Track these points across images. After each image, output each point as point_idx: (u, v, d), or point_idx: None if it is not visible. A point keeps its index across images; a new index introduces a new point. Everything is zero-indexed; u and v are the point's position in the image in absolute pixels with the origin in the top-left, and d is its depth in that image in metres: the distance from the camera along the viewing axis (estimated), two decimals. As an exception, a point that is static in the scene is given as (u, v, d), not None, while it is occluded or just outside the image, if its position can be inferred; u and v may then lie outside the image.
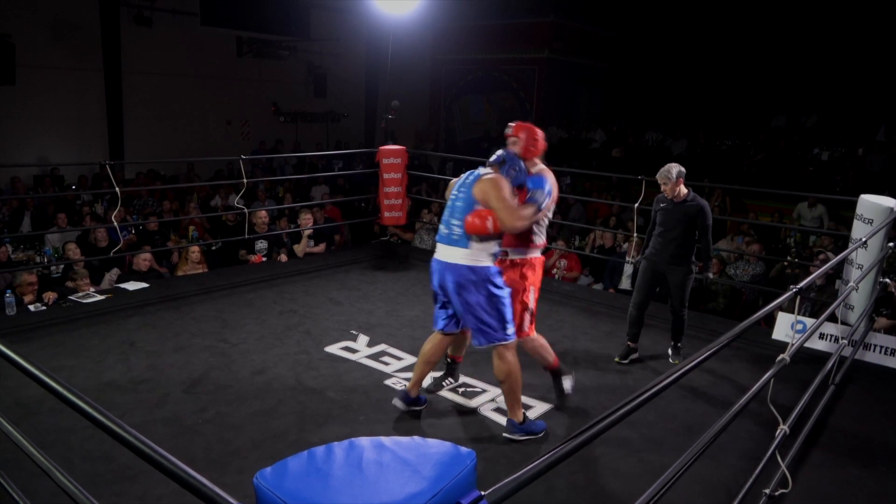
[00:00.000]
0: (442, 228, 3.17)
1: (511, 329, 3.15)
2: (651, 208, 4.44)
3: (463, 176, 3.22)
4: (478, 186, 3.07)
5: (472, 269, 3.05)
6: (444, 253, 3.13)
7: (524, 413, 3.31)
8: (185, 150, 12.11)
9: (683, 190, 4.23)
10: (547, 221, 3.42)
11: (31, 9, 10.40)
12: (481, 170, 3.17)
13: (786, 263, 6.78)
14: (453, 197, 3.17)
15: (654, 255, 4.27)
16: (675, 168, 4.17)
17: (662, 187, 4.19)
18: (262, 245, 6.82)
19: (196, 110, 12.92)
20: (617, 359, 4.34)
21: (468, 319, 3.14)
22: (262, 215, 6.68)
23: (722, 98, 15.04)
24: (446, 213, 3.19)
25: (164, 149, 11.97)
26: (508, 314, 3.13)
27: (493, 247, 3.10)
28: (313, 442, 3.07)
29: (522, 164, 3.18)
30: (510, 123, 3.34)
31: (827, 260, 6.29)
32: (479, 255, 3.07)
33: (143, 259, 6.03)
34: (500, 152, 3.20)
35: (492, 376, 3.95)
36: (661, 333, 4.91)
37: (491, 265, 3.10)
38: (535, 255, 3.41)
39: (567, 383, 3.64)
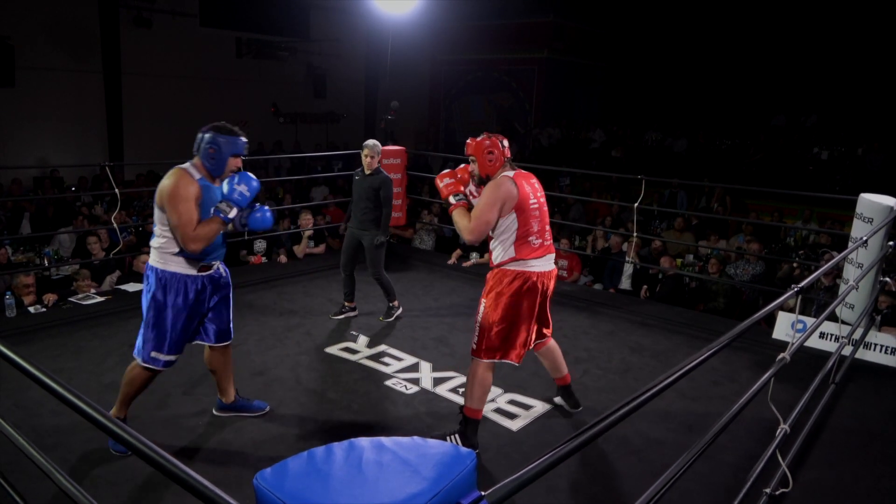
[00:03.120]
0: None
1: (151, 341, 2.90)
2: (651, 208, 4.47)
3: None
4: (159, 187, 2.78)
5: None
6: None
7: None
8: (185, 151, 11.99)
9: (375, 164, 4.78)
10: (531, 227, 3.02)
11: (31, 10, 10.40)
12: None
13: (794, 265, 6.77)
14: None
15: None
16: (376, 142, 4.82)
17: (367, 160, 4.75)
18: (260, 245, 6.82)
19: (196, 111, 12.88)
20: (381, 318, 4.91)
21: None
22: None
23: (722, 98, 15.04)
24: None
25: (164, 150, 11.94)
26: (149, 326, 2.90)
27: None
28: (313, 442, 3.07)
29: (217, 143, 2.80)
30: (467, 141, 3.12)
31: (830, 258, 6.27)
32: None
33: (144, 261, 6.02)
34: (198, 135, 2.87)
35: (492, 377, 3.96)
36: (661, 333, 4.91)
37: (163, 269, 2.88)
38: (494, 269, 3.09)
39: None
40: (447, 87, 17.58)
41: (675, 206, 10.41)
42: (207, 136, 2.84)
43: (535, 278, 3.01)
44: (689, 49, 15.52)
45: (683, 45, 15.62)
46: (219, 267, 3.06)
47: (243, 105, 13.79)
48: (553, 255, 3.14)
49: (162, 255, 2.86)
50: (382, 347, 4.43)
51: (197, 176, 2.83)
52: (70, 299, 5.10)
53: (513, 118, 16.44)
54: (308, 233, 6.79)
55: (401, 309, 5.04)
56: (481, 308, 3.07)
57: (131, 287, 5.49)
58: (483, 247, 7.03)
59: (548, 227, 3.13)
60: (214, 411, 3.40)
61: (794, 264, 6.75)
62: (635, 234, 6.00)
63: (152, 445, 1.26)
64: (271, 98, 14.30)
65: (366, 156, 4.71)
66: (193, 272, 2.91)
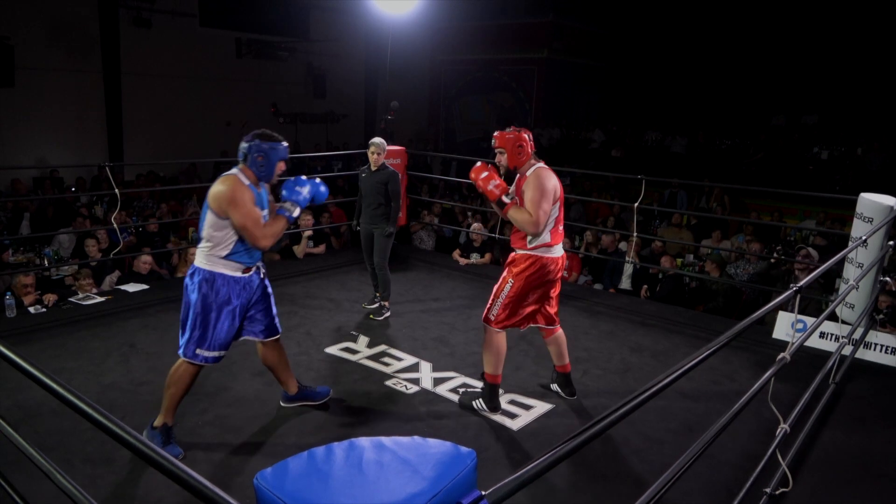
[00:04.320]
0: None
1: (195, 339, 2.99)
2: (651, 207, 4.51)
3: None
4: (214, 192, 2.91)
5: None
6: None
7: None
8: (185, 151, 12.10)
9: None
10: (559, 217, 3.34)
11: (31, 10, 10.39)
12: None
13: (772, 261, 6.83)
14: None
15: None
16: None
17: (373, 157, 4.90)
18: None
19: (195, 112, 12.92)
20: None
21: None
22: None
23: (721, 97, 15.04)
24: None
25: (164, 150, 11.97)
26: (194, 325, 2.99)
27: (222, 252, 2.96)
28: (313, 442, 3.07)
29: (263, 150, 2.97)
30: (494, 134, 3.36)
31: (808, 255, 6.34)
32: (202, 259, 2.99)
33: (144, 262, 6.04)
34: (242, 144, 3.01)
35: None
36: (661, 333, 4.92)
37: (209, 270, 2.98)
38: (526, 252, 3.34)
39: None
40: (447, 87, 17.57)
41: (675, 206, 10.41)
42: (253, 144, 2.99)
43: (558, 262, 3.37)
44: (689, 49, 15.52)
45: (683, 45, 15.62)
46: (259, 268, 3.17)
47: (243, 105, 13.79)
48: (562, 242, 3.44)
49: (209, 257, 2.97)
50: (382, 347, 4.43)
51: (246, 182, 2.98)
52: (70, 299, 5.10)
53: (512, 118, 16.43)
54: (307, 233, 6.79)
55: (389, 312, 5.08)
56: (507, 286, 3.34)
57: (131, 287, 5.49)
58: (483, 248, 7.03)
59: (563, 217, 3.41)
60: (282, 402, 3.54)
61: (772, 260, 6.81)
62: (635, 234, 6.00)
63: (153, 445, 1.26)
64: (271, 98, 14.29)
65: (372, 153, 4.89)
66: (238, 274, 3.03)
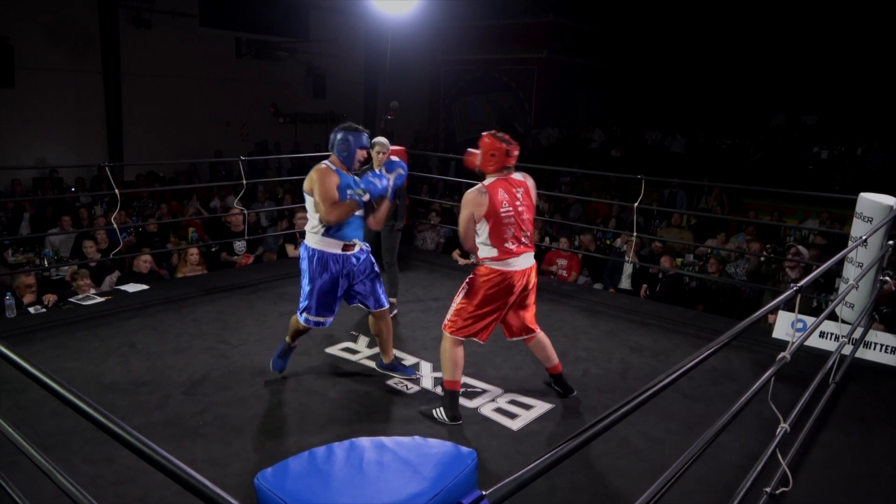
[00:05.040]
0: None
1: (301, 315, 3.58)
2: (651, 207, 4.51)
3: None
4: (307, 178, 3.40)
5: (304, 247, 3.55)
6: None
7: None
8: (185, 151, 12.11)
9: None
10: (504, 234, 3.28)
11: (30, 11, 10.39)
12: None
13: (762, 259, 6.85)
14: None
15: None
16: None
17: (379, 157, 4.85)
18: (240, 245, 6.81)
19: (195, 112, 12.91)
20: None
21: None
22: (237, 214, 6.71)
23: (721, 97, 15.03)
24: None
25: (164, 150, 11.96)
26: (304, 294, 3.55)
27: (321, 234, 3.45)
28: (314, 443, 3.07)
29: (350, 139, 3.41)
30: (484, 134, 3.43)
31: (798, 253, 6.37)
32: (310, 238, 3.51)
33: (144, 261, 6.04)
34: (331, 136, 3.48)
35: (491, 376, 3.97)
36: (661, 333, 4.92)
37: (313, 247, 3.48)
38: (484, 263, 3.35)
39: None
40: (447, 87, 17.57)
41: (675, 206, 10.41)
42: (339, 135, 3.44)
43: (511, 276, 3.32)
44: (689, 49, 15.51)
45: (683, 44, 15.61)
46: (361, 247, 3.58)
47: (243, 105, 13.79)
48: (532, 253, 3.43)
49: (312, 235, 3.46)
50: (382, 347, 4.43)
51: (333, 168, 3.42)
52: (70, 299, 5.10)
53: (512, 118, 16.44)
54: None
55: (396, 310, 5.05)
56: (461, 294, 3.42)
57: (131, 287, 5.49)
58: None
59: (526, 230, 3.37)
60: (376, 367, 4.01)
61: (762, 258, 6.84)
62: (634, 234, 6.00)
63: (153, 445, 1.26)
64: (271, 98, 14.29)
65: (377, 153, 4.86)
66: (337, 251, 3.46)
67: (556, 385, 3.77)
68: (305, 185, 3.40)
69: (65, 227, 7.32)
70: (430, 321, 4.98)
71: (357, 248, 3.54)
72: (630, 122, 14.69)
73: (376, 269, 3.68)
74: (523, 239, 3.36)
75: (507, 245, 3.29)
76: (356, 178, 3.46)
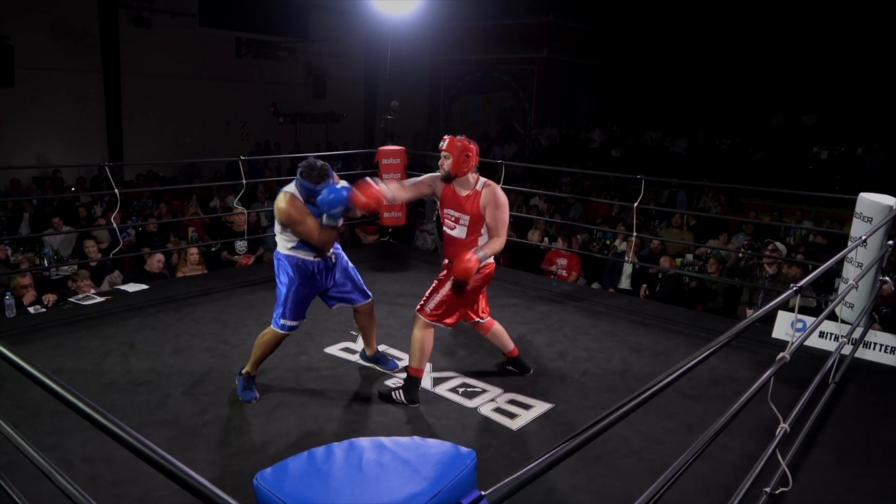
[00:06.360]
0: None
1: (276, 322, 3.53)
2: (650, 207, 4.51)
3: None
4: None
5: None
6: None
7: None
8: (185, 151, 12.11)
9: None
10: (450, 229, 3.52)
11: (31, 11, 10.39)
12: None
13: (741, 255, 6.87)
14: None
15: None
16: None
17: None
18: (241, 245, 6.81)
19: (195, 112, 12.92)
20: None
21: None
22: (239, 214, 6.71)
23: (721, 97, 15.03)
24: None
25: (164, 150, 11.97)
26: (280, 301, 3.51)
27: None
28: (314, 442, 3.07)
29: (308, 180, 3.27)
30: (445, 137, 3.46)
31: (776, 250, 6.39)
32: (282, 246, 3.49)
33: (158, 260, 6.06)
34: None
35: (491, 376, 3.97)
36: (661, 333, 4.91)
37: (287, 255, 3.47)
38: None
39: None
40: (447, 87, 17.57)
41: (675, 206, 10.41)
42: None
43: (493, 267, 3.53)
44: (689, 49, 15.51)
45: (683, 44, 15.61)
46: (332, 253, 3.58)
47: (243, 105, 13.79)
48: None
49: (285, 243, 3.46)
50: (382, 347, 4.42)
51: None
52: (70, 299, 5.10)
53: (512, 118, 16.44)
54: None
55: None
56: (448, 283, 3.45)
57: (131, 287, 5.49)
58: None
59: None
60: (360, 359, 4.14)
61: (741, 255, 6.87)
62: (634, 234, 6.00)
63: (152, 445, 1.25)
64: (271, 98, 14.29)
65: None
66: (310, 257, 3.46)
67: (515, 367, 4.00)
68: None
69: (57, 227, 7.31)
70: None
71: (329, 255, 3.55)
72: (630, 122, 14.69)
73: (349, 263, 3.72)
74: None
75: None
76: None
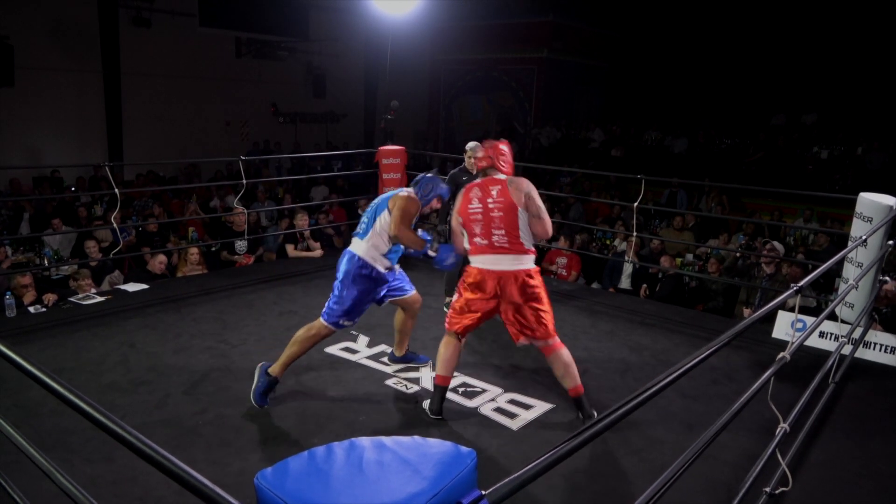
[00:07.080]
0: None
1: (332, 319, 3.54)
2: (650, 207, 4.51)
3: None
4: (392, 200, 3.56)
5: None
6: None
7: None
8: (185, 151, 12.12)
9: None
10: (472, 229, 3.40)
11: (31, 10, 10.40)
12: (402, 190, 3.64)
13: (738, 255, 6.87)
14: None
15: None
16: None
17: (471, 161, 4.84)
18: (241, 245, 6.82)
19: (195, 111, 12.92)
20: None
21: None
22: (239, 213, 6.71)
23: (721, 97, 15.03)
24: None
25: (164, 150, 11.97)
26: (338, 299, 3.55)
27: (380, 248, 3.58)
28: (314, 442, 3.08)
29: (434, 186, 3.66)
30: (481, 144, 3.64)
31: (773, 249, 6.39)
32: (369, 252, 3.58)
33: (160, 262, 6.06)
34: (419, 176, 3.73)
35: (491, 376, 3.97)
36: (661, 333, 4.92)
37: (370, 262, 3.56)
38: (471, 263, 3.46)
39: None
40: (447, 86, 17.57)
41: (675, 205, 10.41)
42: (428, 176, 3.72)
43: (484, 274, 3.30)
44: (689, 49, 15.51)
45: (683, 44, 15.61)
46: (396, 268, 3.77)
47: (243, 105, 13.80)
48: (503, 257, 3.28)
49: (370, 249, 3.56)
50: (382, 347, 4.43)
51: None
52: (70, 299, 5.10)
53: (512, 118, 16.44)
54: (305, 233, 6.79)
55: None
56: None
57: (131, 287, 5.49)
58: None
59: (495, 229, 3.29)
60: (387, 360, 4.16)
61: (738, 255, 6.87)
62: (634, 234, 6.00)
63: (153, 445, 1.25)
64: (271, 98, 14.29)
65: (469, 157, 4.95)
66: (383, 269, 3.60)
67: (576, 407, 3.46)
68: (389, 203, 3.53)
69: (57, 229, 7.31)
70: (429, 321, 4.97)
71: (398, 270, 3.79)
72: (630, 122, 14.69)
73: (402, 273, 3.86)
74: (493, 238, 3.30)
75: (473, 241, 3.38)
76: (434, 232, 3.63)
